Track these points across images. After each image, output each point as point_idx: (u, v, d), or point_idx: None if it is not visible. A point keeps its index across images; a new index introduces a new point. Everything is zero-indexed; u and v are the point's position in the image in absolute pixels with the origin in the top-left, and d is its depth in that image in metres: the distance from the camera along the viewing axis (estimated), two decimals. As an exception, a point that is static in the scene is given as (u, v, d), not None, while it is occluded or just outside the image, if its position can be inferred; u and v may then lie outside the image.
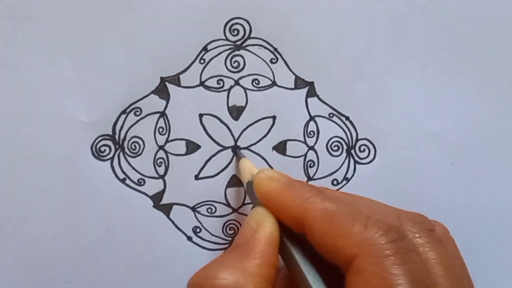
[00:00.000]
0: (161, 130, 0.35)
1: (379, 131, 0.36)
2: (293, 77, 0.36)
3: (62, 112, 0.34)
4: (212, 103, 0.36)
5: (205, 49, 0.35)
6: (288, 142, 0.36)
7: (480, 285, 0.37)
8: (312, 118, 0.36)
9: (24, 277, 0.34)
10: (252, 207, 0.32)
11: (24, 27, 0.34)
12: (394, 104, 0.37)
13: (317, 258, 0.29)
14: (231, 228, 0.36)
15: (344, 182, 0.37)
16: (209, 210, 0.36)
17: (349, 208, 0.28)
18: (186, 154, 0.36)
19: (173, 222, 0.36)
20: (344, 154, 0.37)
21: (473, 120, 0.37)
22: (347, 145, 0.37)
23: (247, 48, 0.36)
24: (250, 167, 0.34)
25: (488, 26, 0.37)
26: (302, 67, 0.36)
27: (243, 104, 0.36)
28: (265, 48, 0.36)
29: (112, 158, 0.35)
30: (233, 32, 0.35)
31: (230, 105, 0.36)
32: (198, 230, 0.36)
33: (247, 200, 0.36)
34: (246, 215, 0.36)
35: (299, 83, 0.36)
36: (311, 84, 0.36)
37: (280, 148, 0.36)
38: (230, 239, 0.36)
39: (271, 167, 0.36)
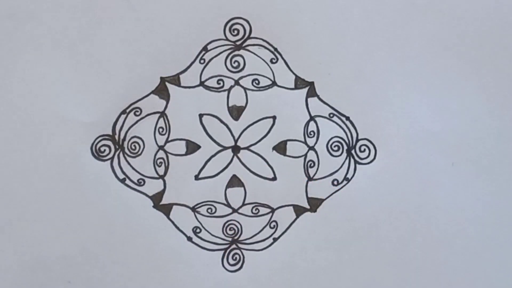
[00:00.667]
0: (161, 130, 0.35)
1: (380, 131, 0.36)
2: (293, 77, 0.36)
3: (62, 112, 0.34)
4: (212, 103, 0.36)
5: (205, 49, 0.35)
6: (288, 142, 0.36)
7: (480, 285, 0.37)
8: (312, 118, 0.36)
9: (24, 277, 0.34)
10: None
11: (24, 27, 0.34)
12: (395, 104, 0.37)
13: None
14: (231, 229, 0.36)
15: (345, 182, 0.37)
16: (209, 210, 0.36)
17: None
18: (186, 154, 0.36)
19: (173, 222, 0.36)
20: (345, 154, 0.37)
21: (473, 120, 0.37)
22: (348, 145, 0.37)
23: (247, 48, 0.36)
24: None
25: (488, 27, 0.37)
26: (302, 67, 0.36)
27: (243, 104, 0.36)
28: (265, 48, 0.36)
29: (112, 158, 0.35)
30: (233, 32, 0.35)
31: (230, 105, 0.36)
32: (198, 230, 0.36)
33: (247, 200, 0.36)
34: (246, 215, 0.36)
35: (299, 83, 0.36)
36: (311, 84, 0.36)
37: (280, 148, 0.36)
38: (230, 239, 0.36)
39: (271, 167, 0.36)
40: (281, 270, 0.36)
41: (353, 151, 0.37)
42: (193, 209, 0.36)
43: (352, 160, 0.37)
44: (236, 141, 0.36)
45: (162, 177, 0.36)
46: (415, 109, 0.37)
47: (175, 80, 0.35)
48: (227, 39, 0.35)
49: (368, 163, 0.37)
